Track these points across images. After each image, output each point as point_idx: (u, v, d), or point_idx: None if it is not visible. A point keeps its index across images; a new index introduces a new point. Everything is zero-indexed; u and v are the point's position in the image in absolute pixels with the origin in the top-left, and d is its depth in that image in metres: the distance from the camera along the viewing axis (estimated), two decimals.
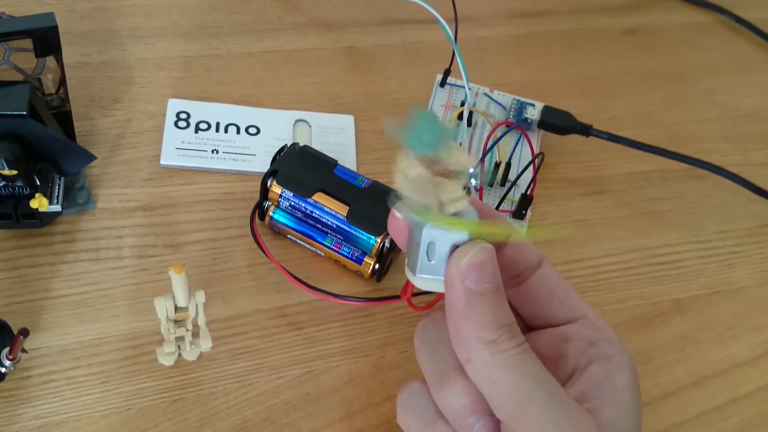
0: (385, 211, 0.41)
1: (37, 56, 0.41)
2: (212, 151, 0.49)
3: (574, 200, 0.51)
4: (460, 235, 0.30)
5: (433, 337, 0.32)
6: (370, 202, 0.43)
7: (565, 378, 0.32)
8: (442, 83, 0.54)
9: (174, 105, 0.51)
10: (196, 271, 0.43)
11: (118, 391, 0.38)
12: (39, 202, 0.40)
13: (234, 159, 0.49)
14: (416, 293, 0.33)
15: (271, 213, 0.45)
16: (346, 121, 0.53)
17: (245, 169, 0.49)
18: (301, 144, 0.46)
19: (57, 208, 0.41)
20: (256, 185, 0.47)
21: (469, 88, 0.52)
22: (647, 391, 0.42)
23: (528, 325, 0.35)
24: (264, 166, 0.48)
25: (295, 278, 0.42)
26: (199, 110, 0.51)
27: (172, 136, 0.49)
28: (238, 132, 0.50)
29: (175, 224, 0.45)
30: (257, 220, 0.45)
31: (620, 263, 0.49)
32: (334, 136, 0.52)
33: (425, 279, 0.31)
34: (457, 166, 0.29)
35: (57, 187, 0.42)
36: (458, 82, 0.55)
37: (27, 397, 0.37)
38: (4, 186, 0.40)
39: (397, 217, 0.31)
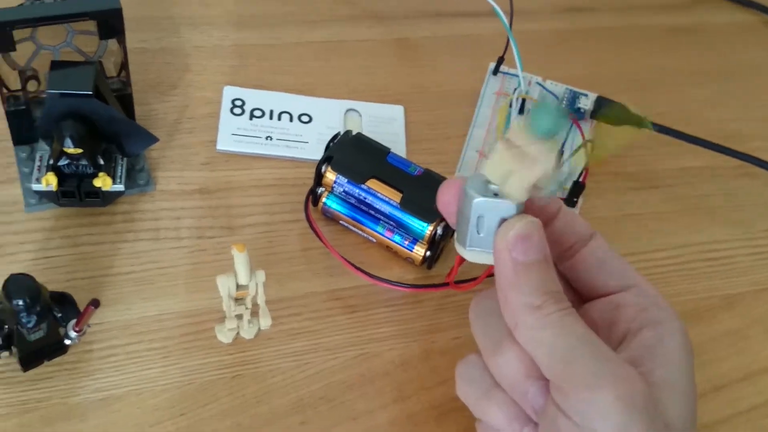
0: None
1: (101, 39, 0.43)
2: (266, 138, 0.50)
3: (625, 194, 0.51)
4: (507, 209, 0.31)
5: (486, 309, 0.33)
6: (423, 190, 0.43)
7: (616, 343, 0.33)
8: (495, 71, 0.55)
9: (229, 92, 0.51)
10: (252, 253, 0.43)
11: (179, 366, 0.39)
12: (103, 181, 0.41)
13: (287, 146, 0.50)
14: (458, 280, 0.34)
15: (324, 199, 0.45)
16: (396, 111, 0.53)
17: (298, 156, 0.49)
18: (353, 132, 0.47)
19: (120, 187, 0.42)
20: (309, 172, 0.48)
21: (522, 77, 0.53)
22: (697, 384, 0.42)
23: (582, 297, 0.35)
24: (316, 153, 0.49)
25: (351, 264, 0.43)
26: (254, 98, 0.52)
27: (227, 123, 0.50)
28: (291, 120, 0.51)
29: (231, 207, 0.46)
30: (310, 205, 0.46)
31: (671, 258, 0.49)
32: (384, 125, 0.52)
33: (475, 252, 0.32)
34: (539, 156, 0.30)
35: (120, 168, 0.43)
36: (510, 71, 0.55)
37: (89, 370, 0.38)
38: (68, 164, 0.41)
39: (452, 187, 0.32)
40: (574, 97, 0.53)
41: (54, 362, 0.38)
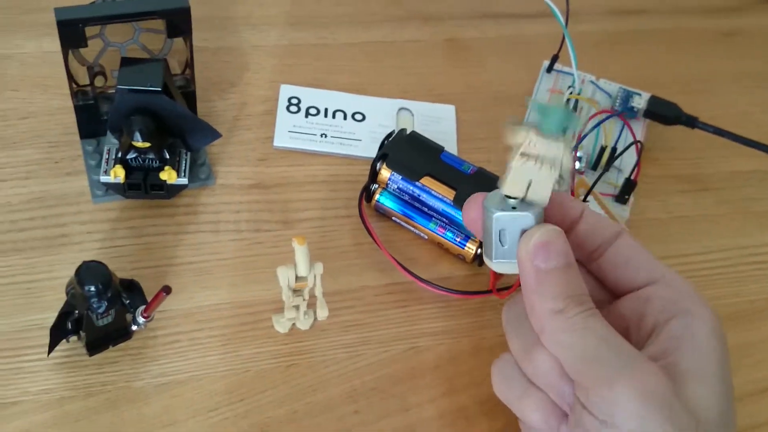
0: None
1: (169, 37, 0.44)
2: (321, 135, 0.51)
3: (674, 196, 0.52)
4: (526, 220, 0.32)
5: (517, 314, 0.34)
6: (476, 188, 0.43)
7: (646, 336, 0.33)
8: (549, 69, 0.56)
9: (286, 90, 0.53)
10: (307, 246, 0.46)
11: (237, 353, 0.41)
12: (168, 175, 0.43)
13: (341, 143, 0.51)
14: (501, 287, 0.36)
15: (378, 196, 0.47)
16: (447, 111, 0.54)
17: (351, 153, 0.51)
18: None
19: (184, 181, 0.44)
20: (362, 169, 0.49)
21: (577, 74, 0.53)
22: (741, 386, 0.42)
23: (614, 295, 0.36)
24: (369, 151, 0.50)
25: (399, 263, 0.44)
26: (309, 96, 0.53)
27: (284, 120, 0.51)
28: (345, 118, 0.52)
29: (287, 202, 0.47)
30: (363, 202, 0.47)
31: (719, 260, 0.49)
32: (435, 124, 0.53)
33: (502, 263, 0.33)
34: (555, 156, 0.31)
35: (184, 162, 0.45)
36: (564, 69, 0.56)
37: (153, 355, 0.40)
38: (135, 158, 0.43)
39: (475, 204, 0.34)
40: (627, 96, 0.53)
41: (119, 347, 0.40)
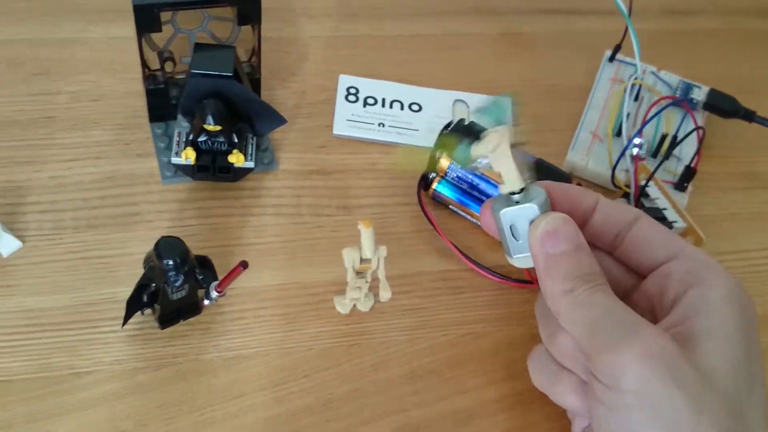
0: None
1: (239, 24, 0.45)
2: (379, 125, 0.52)
3: (729, 194, 0.52)
4: (532, 212, 0.34)
5: (543, 303, 0.35)
6: (535, 177, 0.45)
7: (668, 309, 0.34)
8: (611, 58, 0.57)
9: (344, 81, 0.54)
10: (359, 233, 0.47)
11: (301, 332, 0.42)
12: (236, 158, 0.44)
13: (398, 133, 0.52)
14: None
15: (436, 184, 0.47)
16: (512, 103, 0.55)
17: (408, 143, 0.52)
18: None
19: (250, 164, 0.45)
20: (418, 158, 0.50)
21: (639, 64, 0.54)
22: None
23: (641, 276, 0.37)
24: (425, 140, 0.51)
25: (457, 248, 0.45)
26: (367, 86, 0.54)
27: (343, 109, 0.52)
28: (402, 108, 0.53)
29: (346, 188, 0.48)
30: (422, 190, 0.48)
31: None
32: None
33: (520, 258, 0.35)
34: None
35: (250, 146, 0.46)
36: (626, 59, 0.57)
37: (221, 330, 0.41)
38: (205, 141, 0.44)
39: (487, 208, 0.36)
40: (687, 88, 0.54)
41: (188, 322, 0.41)
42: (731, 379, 0.31)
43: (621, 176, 0.49)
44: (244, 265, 0.35)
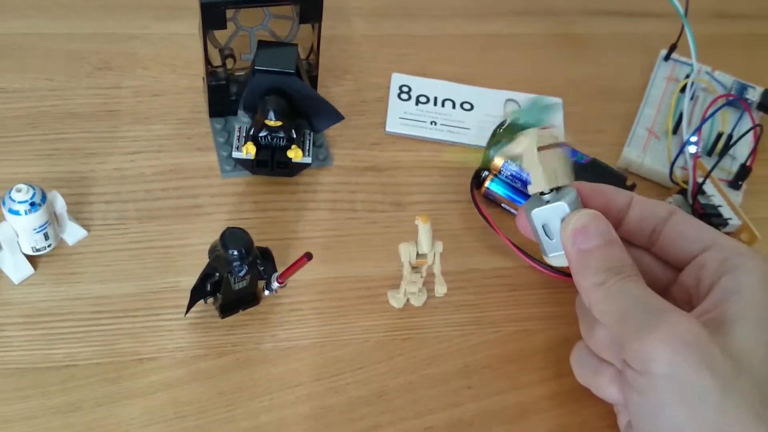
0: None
1: (300, 22, 0.46)
2: (431, 123, 0.53)
3: None
4: (562, 210, 0.35)
5: (582, 301, 0.36)
6: (590, 177, 0.45)
7: (702, 297, 0.34)
8: (667, 57, 0.57)
9: (397, 79, 0.55)
10: (413, 227, 0.47)
11: (356, 324, 0.43)
12: (295, 153, 0.45)
13: (450, 131, 0.52)
14: None
15: (488, 182, 0.48)
16: (555, 103, 0.55)
17: (460, 141, 0.52)
18: None
19: (308, 160, 0.46)
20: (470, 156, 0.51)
21: (695, 63, 0.54)
22: None
23: (678, 270, 0.37)
24: (477, 139, 0.52)
25: (514, 245, 0.45)
26: (419, 85, 0.55)
27: (396, 107, 0.53)
28: (454, 107, 0.54)
29: (399, 185, 0.49)
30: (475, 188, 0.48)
31: None
32: None
33: (555, 256, 0.36)
34: (554, 140, 0.35)
35: (308, 142, 0.47)
36: (681, 59, 0.57)
37: (279, 321, 0.42)
38: (265, 136, 0.45)
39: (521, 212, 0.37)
40: (741, 88, 0.55)
41: (247, 312, 0.42)
42: (763, 363, 0.31)
43: (677, 173, 0.49)
44: (308, 256, 0.36)
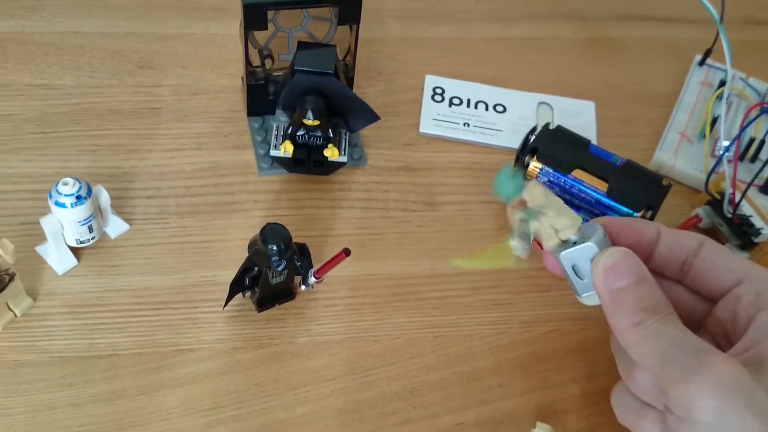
0: (643, 188, 0.44)
1: (339, 24, 0.47)
2: (464, 125, 0.53)
3: None
4: (590, 250, 0.34)
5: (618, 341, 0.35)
6: (627, 179, 0.45)
7: (740, 333, 0.34)
8: (702, 62, 0.58)
9: (431, 81, 0.56)
10: (451, 228, 0.48)
11: (388, 321, 0.43)
12: (331, 152, 0.46)
13: (483, 133, 0.53)
14: None
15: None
16: (587, 107, 0.55)
17: (492, 143, 0.53)
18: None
19: (344, 159, 0.47)
20: (501, 158, 0.51)
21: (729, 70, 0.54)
22: None
23: (712, 302, 0.37)
24: (509, 141, 0.52)
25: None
26: (453, 87, 0.55)
27: (429, 108, 0.54)
28: (487, 109, 0.55)
29: (432, 185, 0.50)
30: None
31: None
32: (575, 119, 0.55)
33: (588, 296, 0.35)
34: (533, 202, 0.34)
35: (344, 141, 0.48)
36: (715, 64, 0.58)
37: (313, 316, 0.43)
38: (303, 135, 0.46)
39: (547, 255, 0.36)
40: None
41: (283, 306, 0.43)
42: None
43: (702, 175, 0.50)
44: (346, 252, 0.37)
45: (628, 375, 0.35)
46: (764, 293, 0.34)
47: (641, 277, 0.33)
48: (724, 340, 0.35)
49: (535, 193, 0.34)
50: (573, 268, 0.35)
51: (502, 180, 0.34)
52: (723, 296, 0.36)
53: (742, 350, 0.33)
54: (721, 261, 0.36)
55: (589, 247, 0.34)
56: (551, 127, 0.49)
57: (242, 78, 0.50)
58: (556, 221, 0.34)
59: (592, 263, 0.34)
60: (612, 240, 0.35)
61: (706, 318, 0.37)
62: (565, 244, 0.34)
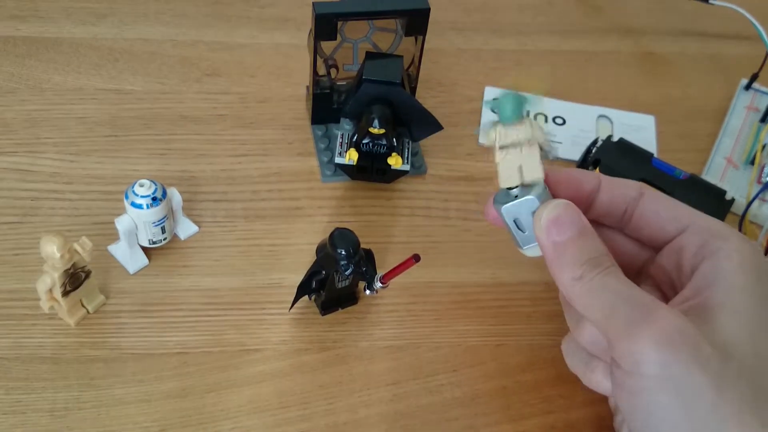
0: (706, 201, 0.44)
1: (406, 35, 0.48)
2: None
3: None
4: (531, 203, 0.34)
5: None
6: (692, 193, 0.45)
7: (685, 282, 0.34)
8: (748, 86, 0.57)
9: (490, 92, 0.56)
10: (506, 237, 0.48)
11: (449, 328, 0.44)
12: (395, 161, 0.47)
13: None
14: None
15: None
16: (647, 121, 0.56)
17: (553, 156, 0.53)
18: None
19: (406, 167, 0.48)
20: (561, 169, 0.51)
21: None
22: None
23: (655, 250, 0.36)
24: (569, 153, 0.53)
25: None
26: None
27: (489, 119, 0.54)
28: (546, 121, 0.55)
29: (492, 195, 0.50)
30: None
31: None
32: (635, 133, 0.55)
33: (529, 248, 0.35)
34: (526, 136, 0.34)
35: (407, 150, 0.48)
36: (762, 88, 0.57)
37: (375, 320, 0.44)
38: (367, 143, 0.47)
39: (488, 207, 0.36)
40: None
41: (346, 310, 0.44)
42: (750, 350, 0.30)
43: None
44: (416, 258, 0.38)
45: (576, 327, 0.35)
46: (708, 243, 0.33)
47: (582, 229, 0.33)
48: (668, 287, 0.35)
49: (536, 129, 0.34)
50: (515, 221, 0.35)
51: (508, 99, 0.34)
52: (666, 244, 0.36)
53: (686, 299, 0.33)
54: (663, 209, 0.36)
55: (531, 200, 0.34)
56: (612, 140, 0.49)
57: (307, 87, 0.52)
58: (531, 163, 0.34)
59: (534, 216, 0.34)
60: (552, 191, 0.35)
61: (648, 265, 0.37)
62: (506, 196, 0.35)
